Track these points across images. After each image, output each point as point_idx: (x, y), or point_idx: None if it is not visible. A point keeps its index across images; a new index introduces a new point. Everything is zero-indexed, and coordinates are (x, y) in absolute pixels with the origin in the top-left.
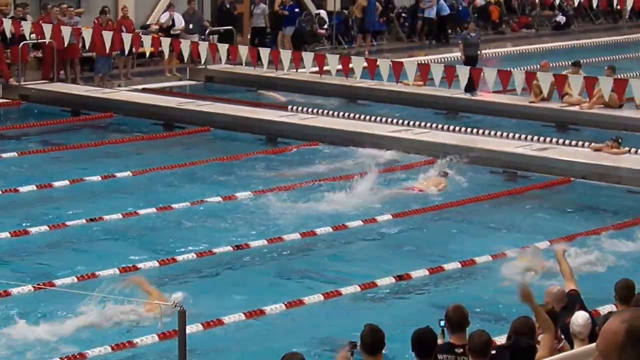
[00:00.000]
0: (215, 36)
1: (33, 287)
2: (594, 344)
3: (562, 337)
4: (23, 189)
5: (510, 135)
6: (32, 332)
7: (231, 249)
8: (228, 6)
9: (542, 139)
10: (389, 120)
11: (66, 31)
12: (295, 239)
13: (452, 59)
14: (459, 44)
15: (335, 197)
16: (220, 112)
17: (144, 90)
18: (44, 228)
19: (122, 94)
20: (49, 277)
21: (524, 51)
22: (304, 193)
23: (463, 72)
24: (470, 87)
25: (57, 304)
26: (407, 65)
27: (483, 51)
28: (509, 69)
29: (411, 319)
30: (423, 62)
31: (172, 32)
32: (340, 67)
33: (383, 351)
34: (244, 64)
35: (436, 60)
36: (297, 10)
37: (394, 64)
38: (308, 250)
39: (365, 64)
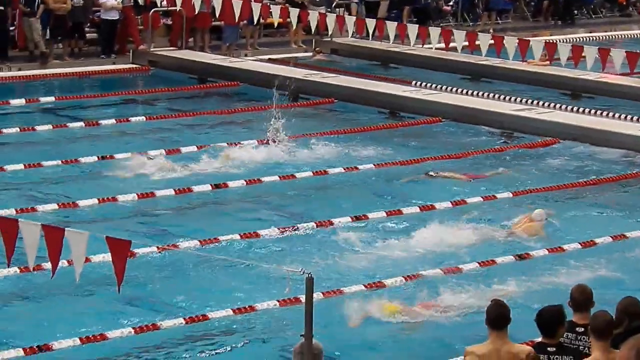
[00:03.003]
0: (342, 9)
1: (157, 248)
2: None
3: None
4: (151, 153)
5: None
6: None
7: (350, 219)
8: None
9: None
10: (512, 98)
11: None
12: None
13: (577, 39)
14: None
15: None
16: (344, 85)
17: (270, 60)
18: (170, 192)
19: (248, 63)
20: (173, 239)
21: None
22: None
23: (590, 52)
24: None
25: (180, 266)
26: (533, 43)
27: (609, 32)
28: (637, 51)
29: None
30: (550, 41)
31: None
32: (466, 43)
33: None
34: (370, 38)
35: (561, 41)
36: None
37: (520, 41)
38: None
39: (492, 41)
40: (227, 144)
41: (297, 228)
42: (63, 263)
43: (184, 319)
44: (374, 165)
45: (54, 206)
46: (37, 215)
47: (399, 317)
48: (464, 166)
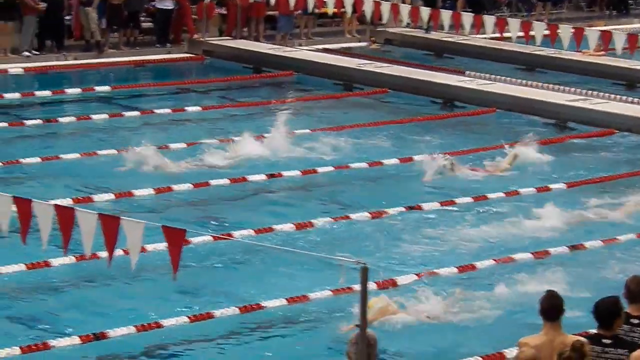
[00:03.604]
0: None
1: (212, 237)
2: None
3: None
4: (205, 141)
5: None
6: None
7: (404, 209)
8: None
9: None
10: (567, 89)
11: None
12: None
13: (633, 29)
14: None
15: None
16: (398, 75)
17: (324, 50)
18: (225, 181)
19: (303, 53)
20: (227, 228)
21: None
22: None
23: None
24: None
25: (235, 256)
26: (588, 33)
27: None
28: None
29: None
30: (605, 31)
31: None
32: (520, 33)
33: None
34: (425, 26)
35: (616, 31)
36: None
37: (575, 31)
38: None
39: (546, 31)
40: (281, 133)
41: (351, 218)
42: (119, 252)
43: (238, 308)
44: (428, 155)
45: (110, 195)
46: (93, 204)
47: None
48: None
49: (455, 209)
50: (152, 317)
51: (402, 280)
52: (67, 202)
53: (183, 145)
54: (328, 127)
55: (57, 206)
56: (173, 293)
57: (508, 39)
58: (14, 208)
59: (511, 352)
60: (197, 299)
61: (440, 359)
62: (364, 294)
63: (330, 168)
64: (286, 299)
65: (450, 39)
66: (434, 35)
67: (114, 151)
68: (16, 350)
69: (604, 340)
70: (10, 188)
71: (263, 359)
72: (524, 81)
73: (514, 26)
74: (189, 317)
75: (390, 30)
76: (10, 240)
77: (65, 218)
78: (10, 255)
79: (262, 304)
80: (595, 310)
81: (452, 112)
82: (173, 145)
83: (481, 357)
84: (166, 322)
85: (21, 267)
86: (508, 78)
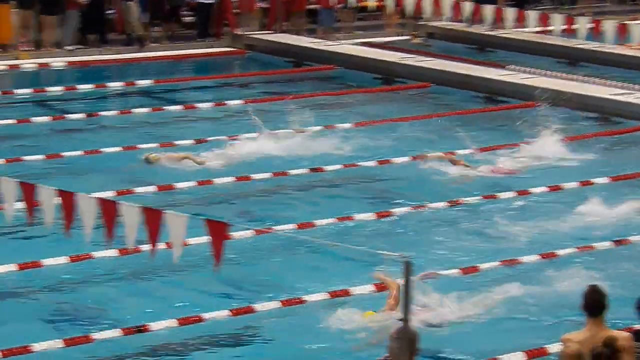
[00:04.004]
0: None
1: (254, 230)
2: None
3: None
4: (246, 135)
5: None
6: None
7: (446, 204)
8: None
9: None
10: (609, 82)
11: None
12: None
13: None
14: None
15: None
16: (440, 69)
17: (365, 44)
18: (266, 175)
19: (344, 47)
20: (269, 222)
21: None
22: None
23: None
24: None
25: (276, 250)
26: (631, 27)
27: None
28: None
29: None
30: None
31: None
32: (563, 27)
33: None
34: (471, 22)
35: None
36: None
37: (618, 25)
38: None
39: (589, 24)
40: (323, 127)
41: (392, 212)
42: (161, 245)
43: (280, 301)
44: (471, 149)
45: (152, 188)
46: (136, 197)
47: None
48: (561, 151)
49: (497, 203)
50: (193, 310)
51: (444, 274)
52: (109, 195)
53: (224, 138)
54: (369, 121)
55: (100, 199)
56: (214, 287)
57: (551, 32)
58: (57, 201)
59: (554, 347)
60: (239, 292)
61: (484, 354)
62: (408, 289)
63: (372, 163)
64: (328, 292)
65: (492, 33)
66: (475, 29)
67: (155, 145)
68: (59, 343)
69: None
70: (52, 181)
71: (305, 351)
72: (566, 75)
73: (557, 20)
74: (230, 311)
75: (432, 24)
76: (54, 233)
77: (109, 211)
78: (54, 248)
79: (304, 298)
80: (639, 305)
81: (494, 106)
82: (214, 139)
83: (524, 352)
84: (207, 316)
85: (64, 259)
86: (550, 72)
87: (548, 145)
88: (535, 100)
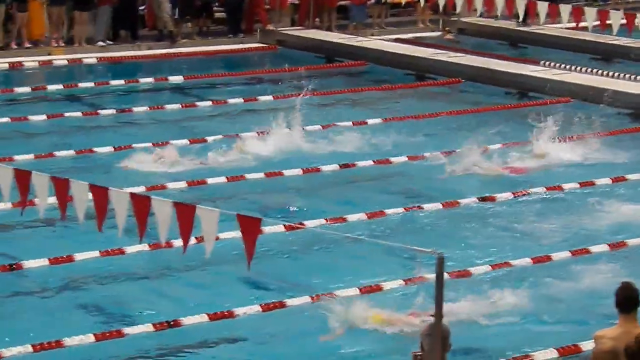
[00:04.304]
0: None
1: (285, 226)
2: None
3: None
4: (277, 131)
5: None
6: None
7: (476, 200)
8: None
9: None
10: None
11: None
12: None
13: None
14: None
15: None
16: (471, 65)
17: (397, 40)
18: (298, 171)
19: (375, 42)
20: (300, 218)
21: None
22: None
23: None
24: None
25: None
26: None
27: None
28: None
29: None
30: None
31: None
32: (597, 22)
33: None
34: (499, 16)
35: None
36: None
37: None
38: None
39: (623, 20)
40: (353, 123)
41: (424, 208)
42: (192, 240)
43: (311, 297)
44: (502, 145)
45: (183, 184)
46: (167, 192)
47: (386, 327)
48: (594, 147)
49: (529, 199)
50: (224, 305)
51: (475, 270)
52: (140, 190)
53: (254, 134)
54: (400, 117)
55: (132, 194)
56: (246, 282)
57: (584, 28)
58: (90, 196)
59: (587, 345)
60: (270, 288)
61: (515, 351)
62: (440, 284)
63: (404, 158)
64: (359, 288)
65: (524, 29)
66: (508, 24)
67: (186, 141)
68: (90, 337)
69: None
70: (84, 176)
71: (335, 348)
72: (599, 71)
73: (591, 15)
74: (261, 306)
75: (464, 19)
76: (87, 227)
77: (141, 206)
78: (86, 243)
79: (335, 294)
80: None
81: (526, 101)
82: (245, 135)
83: (556, 349)
84: (238, 311)
85: (96, 254)
86: (583, 68)
87: (580, 141)
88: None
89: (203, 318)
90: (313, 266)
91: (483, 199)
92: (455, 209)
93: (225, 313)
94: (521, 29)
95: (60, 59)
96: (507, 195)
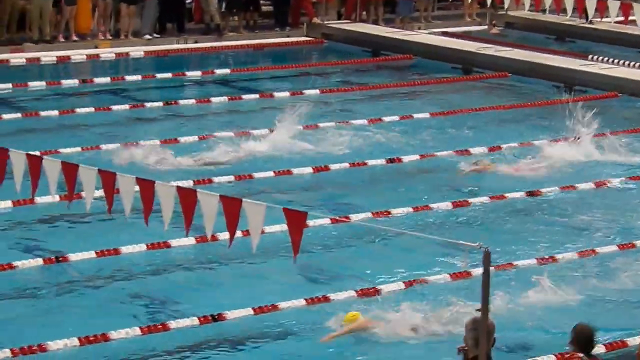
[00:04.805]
0: None
1: (330, 219)
2: None
3: None
4: (322, 125)
5: None
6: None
7: (524, 194)
8: None
9: None
10: None
11: None
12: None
13: None
14: None
15: None
16: (519, 59)
17: (444, 33)
18: (345, 165)
19: (422, 36)
20: (346, 211)
21: None
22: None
23: None
24: None
25: (353, 239)
26: None
27: None
28: None
29: None
30: None
31: None
32: None
33: None
34: (547, 11)
35: None
36: None
37: None
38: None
39: None
40: (399, 117)
41: (470, 202)
42: (238, 233)
43: (356, 291)
44: (549, 140)
45: (230, 177)
46: (214, 186)
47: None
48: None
49: (575, 194)
50: (269, 299)
51: (521, 264)
52: (187, 184)
53: (300, 127)
54: (447, 111)
55: (179, 188)
56: (291, 275)
57: (632, 22)
58: (137, 189)
59: (635, 340)
60: (314, 281)
61: (561, 347)
62: (487, 279)
63: (450, 152)
64: (404, 282)
65: (572, 23)
66: (556, 18)
67: (231, 134)
68: (136, 331)
69: None
70: (131, 170)
71: (379, 341)
72: None
73: (639, 9)
74: (305, 300)
75: (511, 13)
76: (133, 220)
77: (188, 200)
78: (132, 236)
79: (379, 288)
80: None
81: (574, 96)
82: (292, 128)
83: (604, 345)
84: (283, 305)
85: (142, 247)
86: (632, 62)
87: (628, 136)
88: None
89: (248, 312)
90: (358, 260)
91: (531, 194)
92: (503, 202)
93: (270, 307)
94: (569, 23)
95: (107, 52)
96: (554, 189)
